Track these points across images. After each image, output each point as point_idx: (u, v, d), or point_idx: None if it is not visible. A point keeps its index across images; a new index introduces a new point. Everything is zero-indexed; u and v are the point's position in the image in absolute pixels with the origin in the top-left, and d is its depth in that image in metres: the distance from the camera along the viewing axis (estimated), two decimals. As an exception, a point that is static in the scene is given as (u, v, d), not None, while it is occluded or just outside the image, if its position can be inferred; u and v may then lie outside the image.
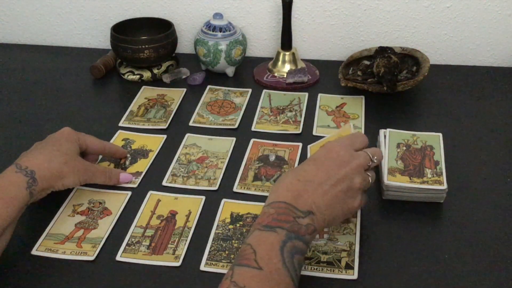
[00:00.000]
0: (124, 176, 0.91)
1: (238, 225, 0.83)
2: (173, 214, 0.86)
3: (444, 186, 0.86)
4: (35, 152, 0.81)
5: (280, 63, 1.24)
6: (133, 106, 1.13)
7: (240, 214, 0.85)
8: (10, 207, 0.72)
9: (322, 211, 0.70)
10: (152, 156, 0.98)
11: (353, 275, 0.75)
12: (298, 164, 0.79)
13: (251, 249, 0.64)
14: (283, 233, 0.66)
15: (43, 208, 0.86)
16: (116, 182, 0.90)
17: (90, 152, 0.91)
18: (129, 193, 0.90)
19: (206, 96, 1.17)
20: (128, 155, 0.98)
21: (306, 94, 1.17)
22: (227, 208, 0.87)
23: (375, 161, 0.77)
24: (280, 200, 0.69)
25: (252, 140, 1.02)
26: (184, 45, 1.35)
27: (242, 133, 1.05)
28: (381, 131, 0.97)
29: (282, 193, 0.70)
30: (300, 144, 1.01)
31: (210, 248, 0.79)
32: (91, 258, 0.78)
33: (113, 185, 0.90)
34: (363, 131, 1.05)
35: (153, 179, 0.93)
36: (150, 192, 0.90)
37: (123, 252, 0.79)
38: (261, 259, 0.63)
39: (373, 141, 1.00)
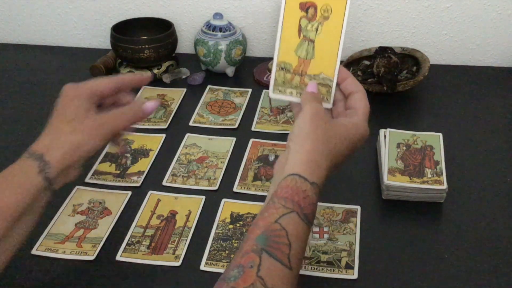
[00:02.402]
0: (150, 104, 0.74)
1: (238, 225, 0.83)
2: (173, 214, 0.86)
3: (444, 186, 0.86)
4: (43, 134, 0.71)
5: (280, 63, 1.24)
6: (133, 106, 1.13)
7: (240, 214, 0.85)
8: (19, 194, 0.65)
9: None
10: (152, 156, 0.98)
11: (353, 275, 0.75)
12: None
13: (287, 240, 0.56)
14: (310, 227, 0.60)
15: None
16: (143, 114, 0.74)
17: (106, 95, 0.74)
18: (129, 193, 0.90)
19: (206, 96, 1.17)
20: (129, 155, 0.98)
21: None
22: (227, 208, 0.87)
23: None
24: (319, 183, 0.62)
25: (251, 140, 1.02)
26: (184, 45, 1.35)
27: (242, 133, 1.05)
28: (381, 131, 0.97)
29: (318, 171, 0.62)
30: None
31: (210, 248, 0.79)
32: (91, 258, 0.78)
33: (141, 120, 0.75)
34: (363, 131, 1.05)
35: (153, 179, 0.93)
36: (150, 192, 0.90)
37: (123, 252, 0.79)
38: (294, 256, 0.56)
39: (373, 141, 1.00)
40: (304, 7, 0.70)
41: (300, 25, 0.71)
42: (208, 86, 1.20)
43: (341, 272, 0.76)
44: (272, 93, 0.74)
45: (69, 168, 0.69)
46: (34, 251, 0.79)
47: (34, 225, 0.68)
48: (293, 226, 0.57)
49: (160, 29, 1.24)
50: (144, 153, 0.99)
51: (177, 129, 1.06)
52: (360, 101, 0.71)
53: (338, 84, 0.72)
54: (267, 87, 1.19)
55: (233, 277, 0.53)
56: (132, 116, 0.73)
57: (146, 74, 0.79)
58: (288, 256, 0.55)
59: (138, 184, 0.92)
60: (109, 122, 0.70)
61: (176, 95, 1.17)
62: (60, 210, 0.86)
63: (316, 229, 0.83)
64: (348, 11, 0.70)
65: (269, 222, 0.57)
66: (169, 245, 0.80)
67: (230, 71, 1.24)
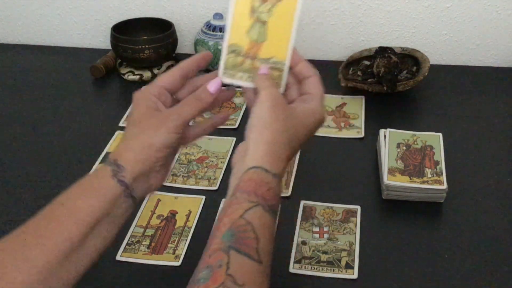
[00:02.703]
0: (211, 84, 0.70)
1: (238, 225, 0.83)
2: (173, 214, 0.86)
3: (444, 186, 0.86)
4: (119, 143, 0.69)
5: (280, 63, 1.24)
6: (133, 106, 1.13)
7: (240, 214, 0.85)
8: (94, 199, 0.62)
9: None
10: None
11: (353, 274, 0.75)
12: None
13: (253, 234, 0.55)
14: (276, 216, 0.59)
15: (44, 206, 0.86)
16: (206, 97, 0.69)
17: (174, 89, 0.70)
18: (129, 193, 0.90)
19: (206, 96, 1.17)
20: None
21: None
22: (227, 208, 0.86)
23: None
24: (281, 174, 0.61)
25: (252, 140, 1.02)
26: (184, 45, 1.35)
27: (242, 133, 1.04)
28: (381, 131, 0.97)
29: (279, 162, 0.61)
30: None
31: (210, 248, 0.79)
32: (91, 258, 0.78)
33: (208, 104, 0.69)
34: (363, 131, 1.05)
35: (153, 179, 0.93)
36: (151, 193, 0.90)
37: (123, 251, 0.79)
38: (263, 250, 0.54)
39: (373, 141, 1.01)
40: None
41: (252, 6, 0.67)
42: (208, 86, 1.20)
43: (341, 272, 0.76)
44: (222, 77, 0.70)
45: (146, 172, 0.66)
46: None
47: (115, 234, 0.65)
48: (259, 219, 0.56)
49: (160, 29, 1.24)
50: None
51: (177, 129, 1.06)
52: (314, 86, 0.68)
53: (290, 68, 0.69)
54: (267, 87, 1.19)
55: (203, 279, 0.52)
56: (195, 101, 0.68)
57: (205, 54, 0.74)
58: (257, 250, 0.54)
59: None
60: (173, 114, 0.67)
61: (176, 95, 1.17)
62: (60, 210, 0.86)
63: (316, 229, 0.83)
64: None
65: (234, 218, 0.56)
66: (169, 245, 0.80)
67: (230, 71, 1.23)
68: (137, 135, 0.66)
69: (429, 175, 0.87)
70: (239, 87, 0.71)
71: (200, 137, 0.73)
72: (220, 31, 1.20)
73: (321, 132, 1.04)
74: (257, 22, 0.68)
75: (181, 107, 0.67)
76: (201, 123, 0.73)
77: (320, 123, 0.68)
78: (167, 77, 0.70)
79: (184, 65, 0.71)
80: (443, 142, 0.94)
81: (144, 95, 0.68)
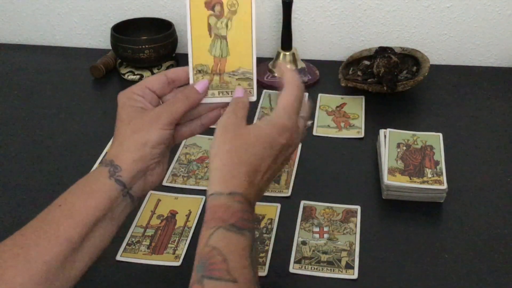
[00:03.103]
0: (199, 84, 0.71)
1: (238, 225, 0.83)
2: (173, 214, 0.86)
3: (444, 186, 0.86)
4: (112, 143, 0.70)
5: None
6: (133, 106, 1.13)
7: (240, 214, 0.85)
8: (92, 199, 0.63)
9: (262, 190, 0.66)
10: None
11: (353, 275, 0.75)
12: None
13: (220, 256, 0.56)
14: (250, 235, 0.59)
15: (43, 208, 0.86)
16: (195, 96, 0.70)
17: (159, 91, 0.71)
18: (129, 193, 0.90)
19: (206, 96, 1.17)
20: None
21: (306, 94, 1.17)
22: (227, 208, 0.87)
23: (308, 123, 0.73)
24: (239, 191, 0.61)
25: (252, 140, 1.02)
26: (184, 45, 1.35)
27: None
28: (381, 131, 0.97)
29: (233, 180, 0.61)
30: (300, 144, 1.01)
31: (210, 248, 0.79)
32: (91, 258, 0.78)
33: (196, 102, 0.71)
34: (363, 131, 1.05)
35: (153, 179, 0.93)
36: (150, 191, 0.90)
37: (123, 252, 0.79)
38: (235, 269, 0.55)
39: (373, 141, 1.01)
40: (210, 5, 0.69)
41: (209, 24, 0.69)
42: (208, 86, 1.20)
43: (341, 272, 0.76)
44: None
45: (143, 170, 0.67)
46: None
47: (114, 233, 0.66)
48: (222, 241, 0.57)
49: (160, 29, 1.24)
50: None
51: (177, 129, 1.06)
52: (282, 96, 0.68)
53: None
54: (268, 87, 1.20)
55: None
56: (186, 99, 0.69)
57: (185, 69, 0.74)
58: (228, 271, 0.55)
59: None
60: (164, 111, 0.68)
61: (176, 95, 1.17)
62: (60, 210, 0.86)
63: (316, 229, 0.83)
64: (254, 1, 0.69)
65: (201, 248, 0.57)
66: (169, 245, 0.80)
67: (230, 71, 1.23)
68: (130, 134, 0.67)
69: (429, 175, 0.87)
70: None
71: (188, 137, 0.74)
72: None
73: (321, 132, 1.05)
74: (217, 39, 0.70)
75: (171, 104, 0.69)
76: (190, 123, 0.73)
77: (284, 130, 0.65)
78: (153, 79, 0.71)
79: (172, 71, 0.73)
80: (443, 142, 0.94)
81: (128, 95, 0.70)
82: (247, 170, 0.62)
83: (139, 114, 0.68)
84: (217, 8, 0.69)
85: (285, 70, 0.70)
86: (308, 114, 0.72)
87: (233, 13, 0.69)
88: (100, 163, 0.66)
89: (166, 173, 0.69)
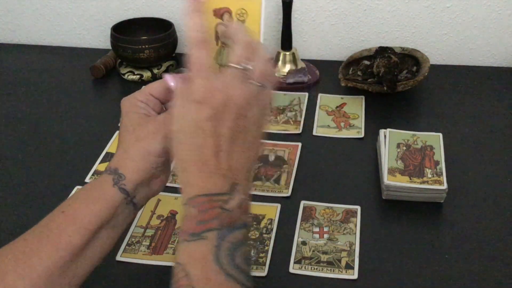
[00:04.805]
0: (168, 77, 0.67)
1: (238, 225, 0.83)
2: (173, 214, 0.86)
3: (444, 186, 0.86)
4: (116, 151, 0.69)
5: (280, 63, 1.24)
6: (133, 106, 1.13)
7: (240, 214, 0.85)
8: (95, 206, 0.63)
9: (240, 172, 0.57)
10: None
11: (353, 275, 0.75)
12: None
13: (183, 272, 0.54)
14: (214, 235, 0.54)
15: (43, 208, 0.86)
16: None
17: (162, 97, 0.69)
18: (129, 193, 0.90)
19: (206, 96, 1.17)
20: None
21: (306, 94, 1.17)
22: (227, 208, 0.87)
23: (249, 66, 0.59)
24: (198, 193, 0.56)
25: (252, 140, 1.02)
26: (184, 45, 1.35)
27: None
28: (381, 131, 0.97)
29: (195, 182, 0.57)
30: (300, 144, 1.01)
31: (210, 248, 0.79)
32: (91, 258, 0.78)
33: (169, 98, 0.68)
34: (363, 131, 1.05)
35: (153, 179, 0.93)
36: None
37: (123, 252, 0.79)
38: (198, 281, 0.53)
39: (373, 141, 1.01)
40: (219, 14, 0.68)
41: (217, 32, 0.68)
42: (208, 86, 1.20)
43: (341, 272, 0.76)
44: None
45: (147, 179, 0.66)
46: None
47: (116, 239, 0.66)
48: (184, 254, 0.55)
49: (160, 29, 1.24)
50: (144, 153, 0.99)
51: (177, 129, 1.06)
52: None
53: None
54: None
55: None
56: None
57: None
58: (192, 286, 0.52)
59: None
60: (169, 118, 0.65)
61: (176, 95, 1.17)
62: (60, 210, 0.86)
63: (316, 229, 0.83)
64: (264, 11, 0.68)
65: (173, 267, 0.56)
66: (169, 245, 0.80)
67: (230, 71, 1.23)
68: (135, 142, 0.66)
69: (429, 175, 0.87)
70: None
71: None
72: (220, 31, 1.20)
73: (321, 132, 1.05)
74: (224, 48, 0.69)
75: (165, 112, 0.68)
76: None
77: (199, 104, 0.57)
78: (156, 86, 0.69)
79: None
80: (443, 142, 0.94)
81: (132, 101, 0.68)
82: (197, 165, 0.57)
83: (143, 121, 0.67)
84: (226, 16, 0.69)
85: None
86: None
87: (242, 22, 0.69)
88: (104, 170, 0.66)
89: (167, 181, 0.69)
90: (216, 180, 0.56)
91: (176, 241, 0.81)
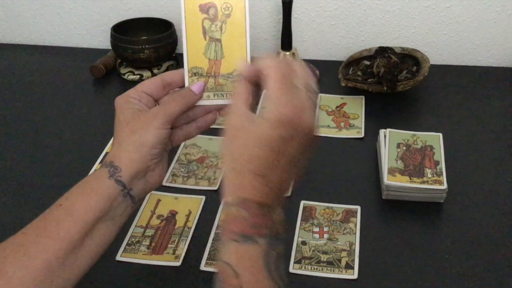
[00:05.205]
0: (195, 85, 0.71)
1: (238, 225, 0.83)
2: (173, 214, 0.86)
3: (444, 186, 0.86)
4: (112, 146, 0.70)
5: (280, 63, 1.24)
6: (133, 106, 1.13)
7: (240, 214, 0.85)
8: (92, 199, 0.64)
9: (283, 191, 0.61)
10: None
11: (353, 275, 0.75)
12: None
13: (232, 272, 0.54)
14: (265, 242, 0.56)
15: (43, 208, 0.86)
16: (191, 97, 0.71)
17: (155, 94, 0.72)
18: (129, 193, 0.90)
19: (206, 96, 1.17)
20: None
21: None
22: (227, 208, 0.87)
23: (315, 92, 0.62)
24: (247, 197, 0.58)
25: (252, 140, 1.02)
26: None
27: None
28: (381, 131, 0.97)
29: (234, 188, 0.59)
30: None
31: (210, 248, 0.79)
32: (91, 258, 0.78)
33: (193, 103, 0.71)
34: (363, 131, 1.05)
35: (153, 179, 0.93)
36: (150, 192, 0.90)
37: (123, 252, 0.79)
38: (248, 283, 0.54)
39: (373, 141, 1.01)
40: (205, 9, 0.70)
41: (203, 27, 0.70)
42: (208, 86, 1.20)
43: (341, 272, 0.76)
44: None
45: (143, 170, 0.67)
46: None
47: (115, 233, 0.67)
48: (234, 255, 0.55)
49: (160, 29, 1.24)
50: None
51: (177, 129, 1.06)
52: (266, 88, 0.61)
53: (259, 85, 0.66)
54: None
55: None
56: (182, 99, 0.70)
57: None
58: (241, 286, 0.53)
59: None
60: (160, 111, 0.69)
61: (176, 95, 1.17)
62: (60, 210, 0.86)
63: (316, 229, 0.83)
64: (248, 3, 0.69)
65: (218, 263, 0.56)
66: (169, 245, 0.80)
67: (230, 71, 1.23)
68: (129, 135, 0.67)
69: (429, 175, 0.87)
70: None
71: (184, 140, 0.75)
72: (220, 31, 1.20)
73: (321, 132, 1.05)
74: (212, 42, 0.71)
75: (167, 104, 0.69)
76: (186, 126, 0.73)
77: (276, 124, 0.58)
78: (148, 83, 0.72)
79: (167, 74, 0.73)
80: (443, 142, 0.94)
81: (125, 98, 0.70)
82: (253, 174, 0.58)
83: (136, 115, 0.68)
84: (212, 11, 0.70)
85: (259, 63, 0.63)
86: (307, 80, 0.63)
87: (227, 16, 0.70)
88: (101, 164, 0.67)
89: (165, 174, 0.70)
90: (268, 192, 0.58)
91: (176, 241, 0.81)
